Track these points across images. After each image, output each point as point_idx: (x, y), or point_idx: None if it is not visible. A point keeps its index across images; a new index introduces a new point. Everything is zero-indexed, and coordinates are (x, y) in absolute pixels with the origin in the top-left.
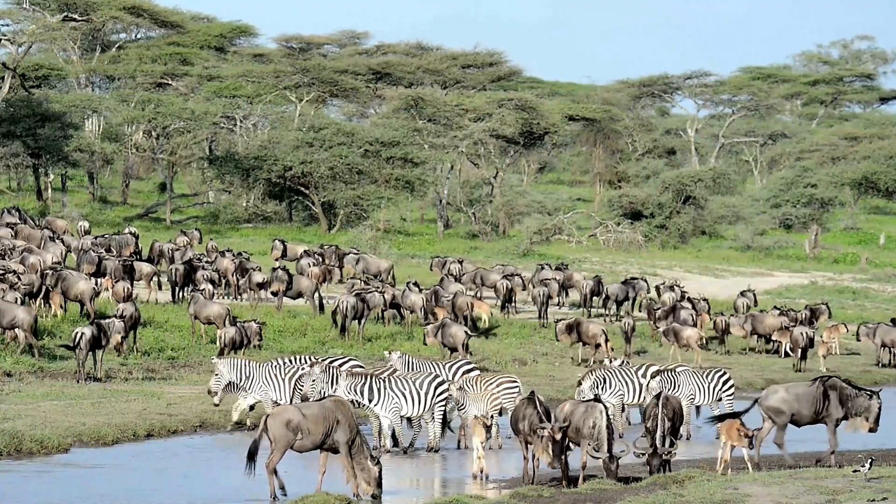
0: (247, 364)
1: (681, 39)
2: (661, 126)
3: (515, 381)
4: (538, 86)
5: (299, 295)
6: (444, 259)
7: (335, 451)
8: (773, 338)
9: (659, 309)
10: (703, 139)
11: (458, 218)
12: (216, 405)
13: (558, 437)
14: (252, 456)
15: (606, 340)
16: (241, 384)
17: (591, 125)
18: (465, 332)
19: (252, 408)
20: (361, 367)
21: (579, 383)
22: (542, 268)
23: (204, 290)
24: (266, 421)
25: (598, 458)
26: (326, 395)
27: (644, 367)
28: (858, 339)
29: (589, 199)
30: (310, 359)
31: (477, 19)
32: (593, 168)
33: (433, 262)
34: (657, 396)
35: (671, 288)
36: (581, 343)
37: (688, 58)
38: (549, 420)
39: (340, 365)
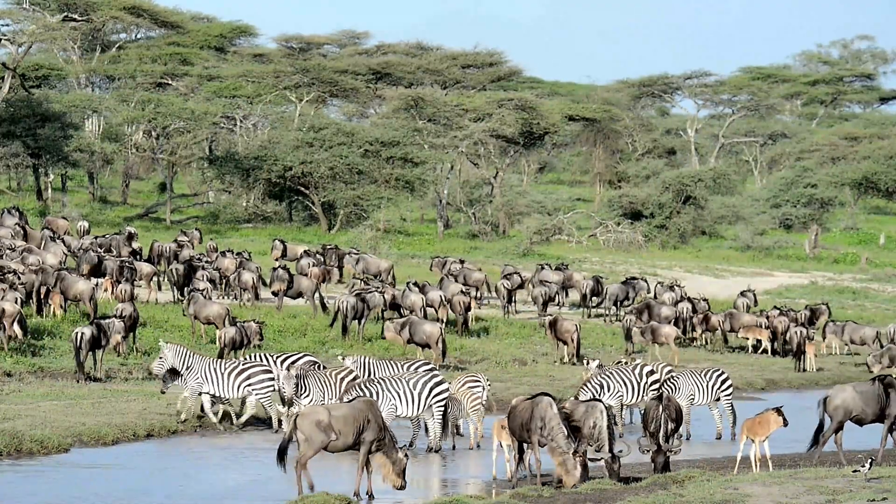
0: (190, 354)
1: (681, 39)
2: (661, 126)
3: (478, 381)
4: (538, 86)
5: (299, 295)
6: (445, 259)
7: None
8: (740, 335)
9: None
10: (703, 139)
11: (458, 218)
12: (163, 393)
13: (586, 460)
14: (282, 454)
15: (576, 339)
16: (182, 373)
17: (591, 125)
18: (440, 330)
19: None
20: (317, 362)
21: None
22: (542, 268)
23: (204, 289)
24: (296, 421)
25: (600, 458)
26: (297, 397)
27: (639, 367)
28: (824, 338)
29: (589, 199)
30: (263, 356)
31: (476, 19)
32: (593, 168)
33: (433, 262)
34: (658, 398)
35: (671, 288)
36: (559, 341)
37: (688, 58)
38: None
39: (294, 362)
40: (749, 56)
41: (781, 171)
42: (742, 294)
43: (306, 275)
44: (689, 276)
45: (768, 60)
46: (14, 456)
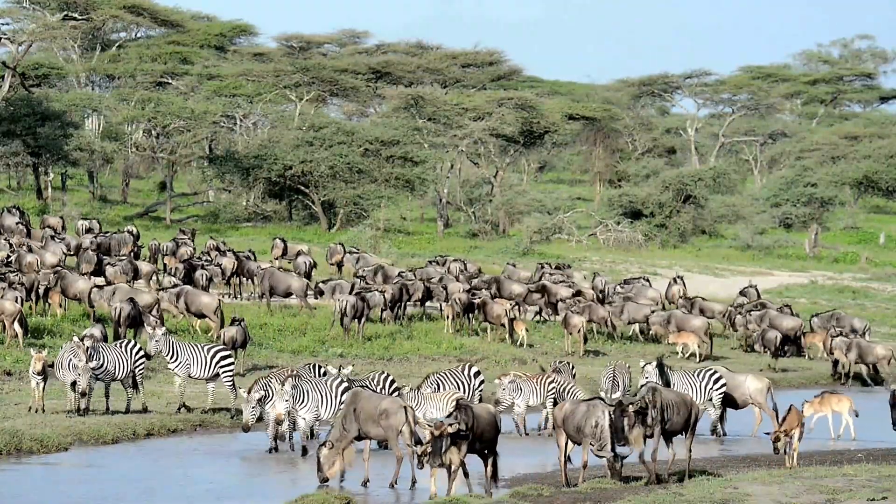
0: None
1: (681, 39)
2: (661, 125)
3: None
4: (538, 85)
5: (288, 294)
6: (444, 258)
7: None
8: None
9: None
10: (703, 138)
11: (458, 217)
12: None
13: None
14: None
15: (510, 323)
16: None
17: (591, 124)
18: (218, 300)
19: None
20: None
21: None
22: (543, 267)
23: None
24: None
25: (602, 457)
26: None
27: (467, 367)
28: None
29: (589, 198)
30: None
31: (476, 19)
32: (593, 167)
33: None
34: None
35: (673, 281)
36: (489, 324)
37: (688, 57)
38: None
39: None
40: (749, 55)
41: (781, 170)
42: (742, 293)
43: (300, 273)
44: (689, 276)
45: (768, 60)
46: (14, 455)
